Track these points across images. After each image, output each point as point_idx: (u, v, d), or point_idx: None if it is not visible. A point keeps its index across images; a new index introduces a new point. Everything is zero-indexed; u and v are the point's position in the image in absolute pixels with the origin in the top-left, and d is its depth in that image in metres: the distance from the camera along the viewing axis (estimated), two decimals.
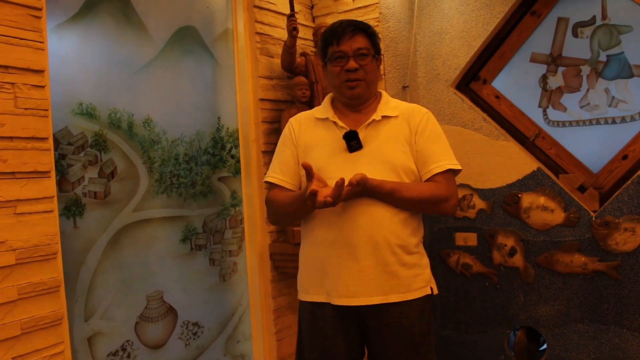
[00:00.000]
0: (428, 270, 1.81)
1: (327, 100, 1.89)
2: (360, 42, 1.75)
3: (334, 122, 1.80)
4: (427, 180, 1.77)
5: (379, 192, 1.68)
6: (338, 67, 1.76)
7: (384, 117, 1.79)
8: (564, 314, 2.85)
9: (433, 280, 1.83)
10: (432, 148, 1.78)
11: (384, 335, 1.73)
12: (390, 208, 1.71)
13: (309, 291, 1.80)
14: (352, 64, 1.74)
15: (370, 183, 1.64)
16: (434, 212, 1.78)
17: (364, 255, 1.68)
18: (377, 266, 1.69)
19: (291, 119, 1.91)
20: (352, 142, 1.73)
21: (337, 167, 1.72)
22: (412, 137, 1.78)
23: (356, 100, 1.80)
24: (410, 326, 1.73)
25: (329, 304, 1.74)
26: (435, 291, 1.82)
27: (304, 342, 1.84)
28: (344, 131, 1.76)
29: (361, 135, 1.74)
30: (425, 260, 1.82)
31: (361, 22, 1.80)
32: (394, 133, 1.78)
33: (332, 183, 1.65)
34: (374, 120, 1.78)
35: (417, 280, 1.75)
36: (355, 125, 1.78)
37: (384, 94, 1.88)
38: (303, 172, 1.74)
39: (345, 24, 1.77)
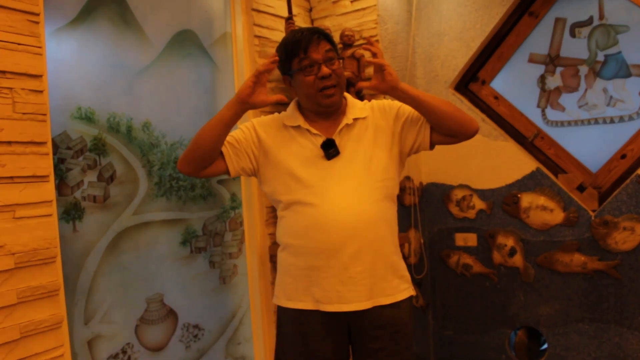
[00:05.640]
0: (408, 273, 1.85)
1: (293, 106, 1.83)
2: (326, 46, 1.72)
3: (307, 130, 1.76)
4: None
5: (409, 92, 1.65)
6: (311, 77, 1.71)
7: (355, 120, 1.78)
8: (564, 313, 2.86)
9: (411, 282, 1.86)
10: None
11: (376, 337, 1.75)
12: (373, 212, 1.71)
13: (293, 298, 1.77)
14: (325, 70, 1.69)
15: (402, 84, 1.64)
16: (462, 128, 1.72)
17: (352, 262, 1.69)
18: (366, 271, 1.70)
19: (254, 122, 1.84)
20: (330, 149, 1.72)
21: (315, 175, 1.72)
22: (393, 125, 1.79)
23: (332, 107, 1.76)
24: (404, 326, 1.77)
25: (317, 311, 1.73)
26: (414, 293, 1.86)
27: (287, 348, 1.83)
28: (318, 138, 1.74)
29: (336, 141, 1.73)
30: (404, 264, 1.85)
31: (319, 28, 1.79)
32: (369, 133, 1.77)
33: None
34: (346, 124, 1.76)
35: (402, 282, 1.79)
36: (326, 131, 1.76)
37: (349, 97, 1.86)
38: (250, 156, 1.77)
39: (307, 31, 1.74)
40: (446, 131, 1.73)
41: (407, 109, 1.78)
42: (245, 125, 1.83)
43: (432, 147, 1.81)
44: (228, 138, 1.74)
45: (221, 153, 1.74)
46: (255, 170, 1.81)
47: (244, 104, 1.64)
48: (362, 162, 1.73)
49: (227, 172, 1.77)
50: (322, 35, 1.74)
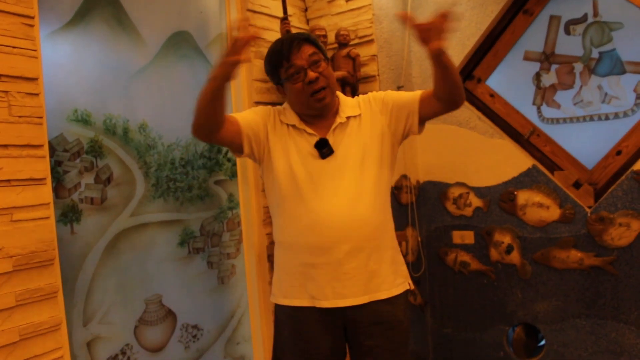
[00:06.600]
0: (404, 267, 1.87)
1: (289, 106, 1.86)
2: (309, 50, 1.73)
3: (303, 130, 1.79)
4: (425, 95, 1.76)
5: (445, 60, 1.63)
6: (299, 84, 1.72)
7: (348, 118, 1.80)
8: (561, 309, 2.87)
9: (409, 276, 1.88)
10: (402, 96, 1.79)
11: (372, 334, 1.76)
12: (367, 209, 1.73)
13: (289, 295, 1.80)
14: (311, 74, 1.71)
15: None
16: (460, 97, 1.71)
17: (347, 258, 1.71)
18: (361, 266, 1.72)
19: (266, 109, 1.85)
20: (324, 149, 1.75)
21: (310, 174, 1.74)
22: (380, 115, 1.80)
23: (325, 110, 1.79)
24: (399, 324, 1.79)
25: (312, 307, 1.75)
26: (412, 287, 1.88)
27: (284, 345, 1.85)
28: (313, 138, 1.77)
29: (330, 140, 1.76)
30: (402, 258, 1.87)
31: (301, 33, 1.80)
32: (362, 130, 1.79)
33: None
34: (340, 123, 1.78)
35: (397, 276, 1.82)
36: (321, 130, 1.78)
37: (341, 95, 1.87)
38: (262, 139, 1.78)
39: (287, 39, 1.76)
40: (445, 95, 1.70)
41: (391, 96, 1.80)
42: (260, 108, 1.86)
43: (421, 124, 1.80)
44: (247, 118, 1.77)
45: (240, 132, 1.76)
46: (262, 156, 1.82)
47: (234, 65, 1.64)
48: (355, 159, 1.76)
49: (241, 148, 1.78)
50: (303, 40, 1.75)
